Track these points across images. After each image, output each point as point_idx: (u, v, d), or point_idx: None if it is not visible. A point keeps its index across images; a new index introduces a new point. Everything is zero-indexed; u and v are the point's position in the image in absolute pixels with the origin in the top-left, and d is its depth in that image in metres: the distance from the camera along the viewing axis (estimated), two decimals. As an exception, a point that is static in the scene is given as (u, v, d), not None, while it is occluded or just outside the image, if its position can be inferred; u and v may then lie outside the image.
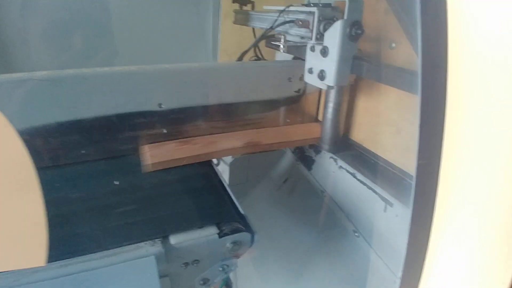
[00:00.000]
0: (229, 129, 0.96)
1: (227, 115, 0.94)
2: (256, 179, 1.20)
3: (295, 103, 1.02)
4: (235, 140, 0.92)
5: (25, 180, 0.20)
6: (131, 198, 0.68)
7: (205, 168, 0.82)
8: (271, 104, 0.99)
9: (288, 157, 1.20)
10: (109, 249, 0.54)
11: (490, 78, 0.40)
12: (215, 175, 0.79)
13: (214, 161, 1.06)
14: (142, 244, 0.56)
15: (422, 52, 0.38)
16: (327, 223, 0.98)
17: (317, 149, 1.09)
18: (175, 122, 0.87)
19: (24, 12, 1.00)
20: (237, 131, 0.96)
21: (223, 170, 1.20)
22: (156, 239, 0.57)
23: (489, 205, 0.43)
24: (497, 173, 0.40)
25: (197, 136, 0.90)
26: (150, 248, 0.55)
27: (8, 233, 0.22)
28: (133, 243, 0.56)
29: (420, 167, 0.37)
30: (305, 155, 1.14)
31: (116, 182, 0.72)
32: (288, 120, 1.04)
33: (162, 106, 0.84)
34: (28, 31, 1.01)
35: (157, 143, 0.85)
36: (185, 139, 0.88)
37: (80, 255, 0.52)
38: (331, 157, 1.00)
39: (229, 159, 1.18)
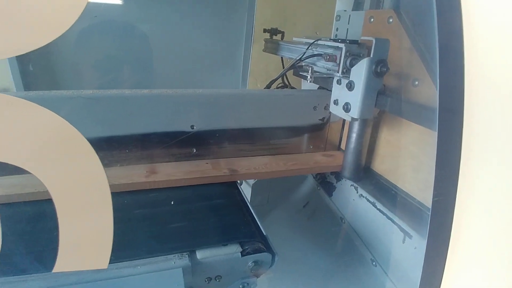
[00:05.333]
0: (254, 152, 1.00)
1: (253, 139, 0.99)
2: (276, 201, 1.23)
3: (319, 131, 1.06)
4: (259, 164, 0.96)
5: (99, 190, 0.25)
6: (162, 213, 0.73)
7: (230, 188, 0.86)
8: (296, 131, 1.04)
9: (309, 182, 1.23)
10: (140, 258, 0.58)
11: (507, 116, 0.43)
12: (240, 195, 0.83)
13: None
14: (171, 256, 0.60)
15: (440, 93, 0.41)
16: (345, 250, 1.00)
17: (338, 176, 1.11)
18: (205, 143, 0.93)
19: (77, 43, 1.11)
20: (262, 154, 1.01)
21: (245, 191, 1.24)
22: (184, 253, 0.61)
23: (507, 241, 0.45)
24: None
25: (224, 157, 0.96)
26: (178, 261, 0.59)
27: (81, 237, 0.27)
28: (163, 255, 0.60)
29: (435, 204, 0.40)
30: (326, 181, 1.16)
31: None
32: (311, 147, 1.07)
33: (194, 127, 0.90)
34: (78, 56, 1.11)
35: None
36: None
37: (113, 262, 0.57)
38: (352, 185, 1.03)
39: (251, 180, 1.22)
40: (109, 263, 0.58)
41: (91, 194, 0.25)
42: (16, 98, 0.22)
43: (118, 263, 0.57)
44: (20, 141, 0.23)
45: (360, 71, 0.78)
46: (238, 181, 0.96)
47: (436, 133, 0.43)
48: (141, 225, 0.68)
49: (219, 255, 0.63)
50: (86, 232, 0.27)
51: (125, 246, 0.60)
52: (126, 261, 0.58)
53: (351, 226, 1.00)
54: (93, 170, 0.24)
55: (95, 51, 1.14)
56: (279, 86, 1.22)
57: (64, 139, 0.24)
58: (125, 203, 0.76)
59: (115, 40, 1.14)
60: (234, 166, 0.91)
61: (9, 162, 0.22)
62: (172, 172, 0.86)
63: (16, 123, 0.23)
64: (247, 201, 0.81)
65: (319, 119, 1.04)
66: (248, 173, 0.90)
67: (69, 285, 0.52)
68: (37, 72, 1.16)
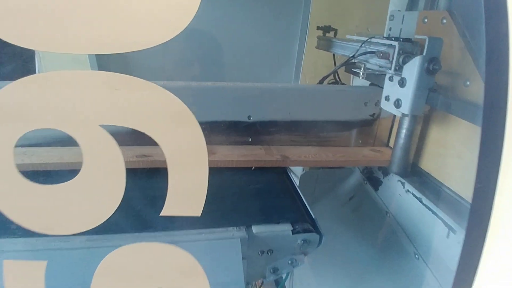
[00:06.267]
0: (305, 143, 1.06)
1: (305, 131, 1.05)
2: (323, 193, 1.29)
3: (368, 126, 1.10)
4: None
5: (199, 155, 0.33)
6: (222, 192, 0.82)
7: (282, 174, 0.94)
8: (347, 125, 1.08)
9: (356, 177, 1.27)
10: (206, 228, 0.68)
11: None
12: (291, 181, 0.91)
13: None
14: (230, 228, 0.68)
15: (486, 90, 0.45)
16: (388, 242, 1.03)
17: (385, 171, 1.14)
18: (259, 132, 1.00)
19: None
20: (312, 146, 1.07)
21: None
22: (242, 227, 0.69)
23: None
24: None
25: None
26: (236, 233, 0.68)
27: (184, 189, 0.35)
28: (224, 227, 0.69)
29: (476, 190, 0.44)
30: (373, 176, 1.20)
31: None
32: (360, 142, 1.11)
33: (250, 118, 0.98)
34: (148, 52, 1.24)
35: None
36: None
37: (184, 229, 0.67)
38: (399, 181, 1.05)
39: (299, 172, 1.28)
40: (179, 229, 0.67)
41: (193, 156, 0.33)
42: (146, 82, 0.31)
43: (188, 230, 0.66)
44: (146, 113, 0.32)
45: (412, 69, 0.81)
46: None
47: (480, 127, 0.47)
48: (206, 201, 0.77)
49: (272, 231, 0.70)
50: (187, 185, 0.35)
51: (193, 217, 0.70)
52: (194, 229, 0.67)
53: (395, 220, 1.03)
54: (196, 137, 0.32)
55: (163, 48, 1.26)
56: (330, 82, 1.26)
57: (178, 113, 0.32)
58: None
59: (181, 39, 1.25)
60: (285, 153, 0.97)
61: (140, 130, 0.31)
62: (228, 153, 0.95)
63: (144, 101, 0.31)
64: (297, 187, 0.88)
65: (370, 115, 1.08)
66: (298, 160, 0.96)
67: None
68: (113, 67, 1.31)
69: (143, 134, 0.38)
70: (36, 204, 0.35)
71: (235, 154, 0.94)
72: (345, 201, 1.24)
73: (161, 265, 0.44)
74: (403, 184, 1.04)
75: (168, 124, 0.33)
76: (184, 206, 0.37)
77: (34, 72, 1.40)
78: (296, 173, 1.31)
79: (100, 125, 0.32)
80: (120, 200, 0.36)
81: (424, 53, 0.79)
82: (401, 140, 0.97)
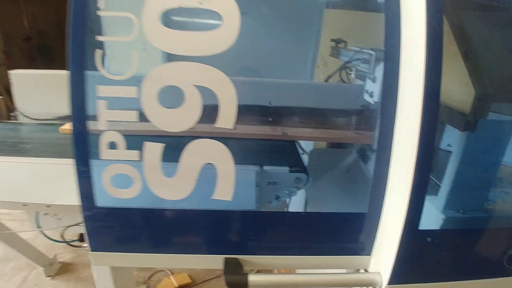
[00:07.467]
0: (312, 125, 1.45)
1: (312, 115, 1.43)
2: (327, 167, 1.66)
3: (360, 115, 1.47)
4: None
5: (230, 93, 0.75)
6: (251, 149, 1.23)
7: (291, 143, 1.34)
8: (344, 113, 1.45)
9: (353, 155, 1.63)
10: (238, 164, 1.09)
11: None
12: (295, 147, 1.30)
13: (300, 151, 1.57)
14: (250, 165, 1.10)
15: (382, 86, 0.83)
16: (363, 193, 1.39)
17: (372, 149, 1.50)
18: (278, 114, 1.40)
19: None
20: (317, 128, 1.45)
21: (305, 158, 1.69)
22: (257, 165, 1.10)
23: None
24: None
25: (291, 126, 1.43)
26: (253, 167, 1.09)
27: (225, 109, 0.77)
28: (246, 164, 1.10)
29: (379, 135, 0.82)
30: (365, 154, 1.56)
31: None
32: (354, 126, 1.48)
33: (271, 103, 1.38)
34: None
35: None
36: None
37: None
38: (380, 155, 1.41)
39: (310, 149, 1.66)
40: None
41: (227, 94, 0.75)
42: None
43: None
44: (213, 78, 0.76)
45: (380, 70, 1.18)
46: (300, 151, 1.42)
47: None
48: (237, 151, 1.19)
49: (276, 169, 1.11)
50: (226, 109, 0.77)
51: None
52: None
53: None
54: (229, 87, 0.75)
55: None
56: (338, 81, 1.64)
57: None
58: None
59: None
60: (286, 131, 1.37)
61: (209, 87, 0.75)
62: (247, 130, 1.35)
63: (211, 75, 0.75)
64: (298, 150, 1.28)
65: (361, 106, 1.44)
66: (294, 135, 1.35)
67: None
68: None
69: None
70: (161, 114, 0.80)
71: (252, 130, 1.35)
72: (343, 173, 1.61)
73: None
74: (383, 157, 1.39)
75: (222, 82, 0.76)
76: (227, 121, 0.80)
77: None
78: (307, 152, 1.70)
79: (193, 84, 0.77)
80: (199, 117, 0.80)
81: (388, 60, 1.16)
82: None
